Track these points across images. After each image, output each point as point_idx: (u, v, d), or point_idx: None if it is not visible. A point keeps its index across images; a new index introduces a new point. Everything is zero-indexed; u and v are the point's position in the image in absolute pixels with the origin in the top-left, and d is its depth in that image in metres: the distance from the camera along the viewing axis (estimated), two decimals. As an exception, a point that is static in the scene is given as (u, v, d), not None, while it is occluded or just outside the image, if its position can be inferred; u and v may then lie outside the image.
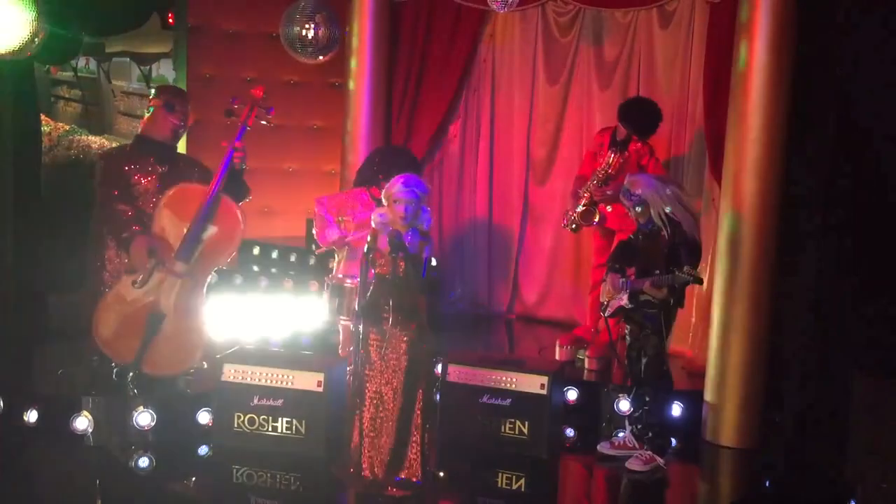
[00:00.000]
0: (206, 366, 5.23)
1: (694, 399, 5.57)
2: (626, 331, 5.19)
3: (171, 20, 8.20)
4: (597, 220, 6.28)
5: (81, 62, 11.83)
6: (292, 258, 7.59)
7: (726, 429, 5.42)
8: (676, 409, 5.55)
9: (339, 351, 5.72)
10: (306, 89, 8.08)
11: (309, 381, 4.96)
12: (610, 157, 6.16)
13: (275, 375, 4.99)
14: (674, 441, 5.45)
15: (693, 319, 6.25)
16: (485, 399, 5.13)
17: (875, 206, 5.39)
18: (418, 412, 4.51)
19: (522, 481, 4.95)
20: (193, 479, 4.97)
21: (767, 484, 5.23)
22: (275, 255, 7.68)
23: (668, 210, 4.89)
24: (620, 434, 5.25)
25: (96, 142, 9.77)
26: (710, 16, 6.16)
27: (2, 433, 5.11)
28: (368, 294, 4.53)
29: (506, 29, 7.27)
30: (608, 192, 6.17)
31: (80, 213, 5.38)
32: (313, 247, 7.61)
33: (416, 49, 7.00)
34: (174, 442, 5.06)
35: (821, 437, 5.25)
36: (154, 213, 5.06)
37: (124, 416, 5.03)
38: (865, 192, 5.41)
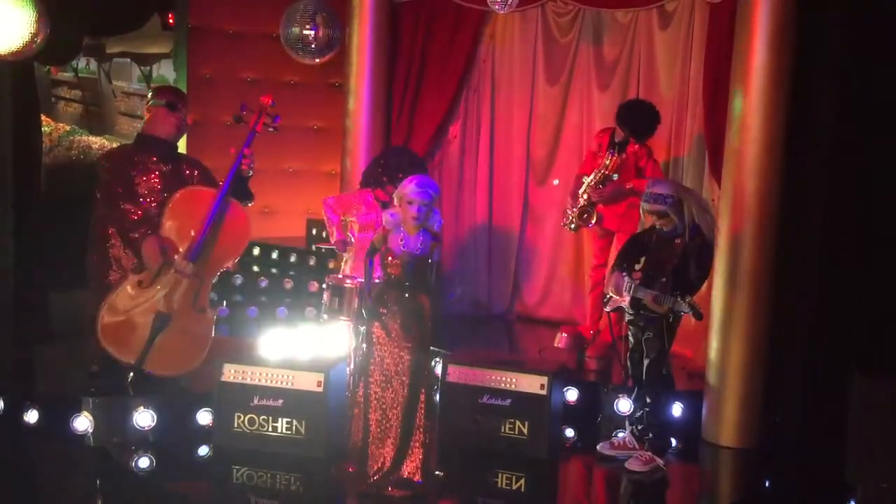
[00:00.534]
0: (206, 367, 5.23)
1: (694, 399, 5.57)
2: (629, 332, 5.18)
3: (171, 21, 8.22)
4: (594, 220, 6.29)
5: (82, 63, 11.84)
6: (292, 258, 7.61)
7: (726, 429, 5.42)
8: (676, 410, 5.55)
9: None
10: (306, 90, 8.10)
11: (309, 381, 4.96)
12: (608, 158, 6.17)
13: (275, 376, 4.99)
14: (673, 441, 5.45)
15: (692, 320, 6.24)
16: (485, 399, 5.13)
17: (875, 206, 5.39)
18: (420, 412, 4.51)
19: (522, 481, 4.95)
20: (193, 479, 4.97)
21: (767, 484, 5.24)
22: (275, 255, 7.69)
23: (697, 212, 4.88)
24: (620, 434, 5.25)
25: (97, 142, 9.79)
26: (709, 16, 6.16)
27: (2, 433, 5.11)
28: (373, 294, 4.54)
29: (506, 29, 7.28)
30: (606, 194, 6.19)
31: (81, 213, 5.39)
32: (313, 247, 7.64)
33: (415, 49, 7.00)
34: (174, 442, 5.06)
35: (820, 437, 5.25)
36: (162, 215, 5.10)
37: (124, 416, 5.04)
38: (865, 191, 5.41)
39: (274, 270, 7.62)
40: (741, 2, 5.33)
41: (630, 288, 4.97)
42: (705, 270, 5.02)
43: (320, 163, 8.24)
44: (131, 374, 5.11)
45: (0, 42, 5.13)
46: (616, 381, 5.78)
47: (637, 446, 5.09)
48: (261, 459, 4.87)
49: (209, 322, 5.27)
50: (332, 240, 5.73)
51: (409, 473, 4.51)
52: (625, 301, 5.02)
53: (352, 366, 4.98)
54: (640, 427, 5.12)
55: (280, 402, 4.97)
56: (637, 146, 6.15)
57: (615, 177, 6.24)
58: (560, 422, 5.43)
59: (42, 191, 6.90)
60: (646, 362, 5.06)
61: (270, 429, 4.98)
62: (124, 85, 12.71)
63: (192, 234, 5.10)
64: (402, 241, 4.47)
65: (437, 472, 4.58)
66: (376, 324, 4.52)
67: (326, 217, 5.73)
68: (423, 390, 4.52)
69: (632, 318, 5.08)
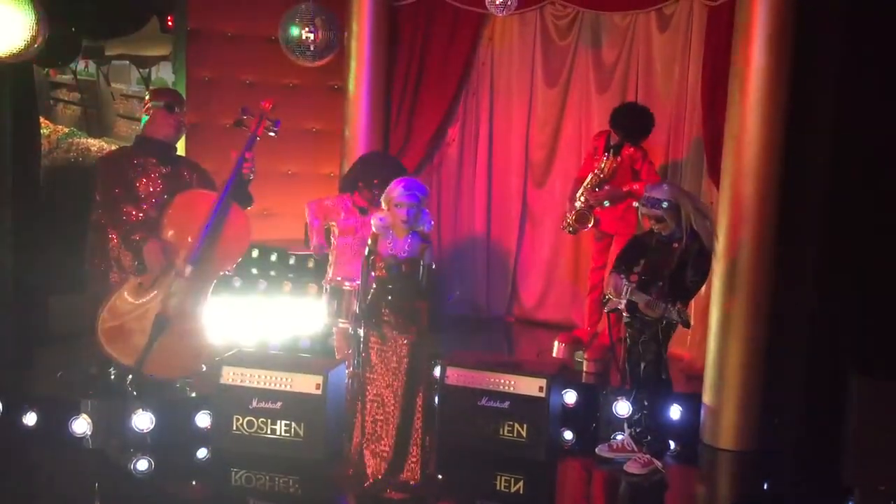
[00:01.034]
0: (205, 368, 5.24)
1: (692, 402, 5.57)
2: (626, 334, 5.19)
3: (170, 23, 8.21)
4: (592, 223, 6.30)
5: (81, 65, 11.85)
6: (291, 261, 7.60)
7: (724, 431, 5.42)
8: (675, 412, 5.56)
9: (336, 354, 5.72)
10: (305, 92, 8.08)
11: (308, 383, 4.96)
12: (603, 160, 6.19)
13: (274, 378, 5.00)
14: (672, 444, 5.46)
15: (691, 322, 6.25)
16: (483, 402, 5.14)
17: (873, 207, 5.40)
18: (418, 415, 4.51)
19: (521, 484, 4.95)
20: (192, 481, 4.97)
21: (766, 487, 5.24)
22: (274, 257, 7.68)
23: (695, 218, 4.89)
24: (619, 437, 5.26)
25: (95, 144, 9.77)
26: (707, 18, 6.17)
27: (1, 435, 5.11)
28: (369, 297, 4.54)
29: (504, 32, 7.28)
30: (602, 196, 6.20)
31: (80, 215, 5.39)
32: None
33: (414, 52, 7.01)
34: (173, 445, 5.06)
35: (819, 439, 5.25)
36: (163, 218, 5.10)
37: (123, 418, 5.04)
38: (863, 193, 5.42)
39: (273, 273, 7.61)
40: (739, 5, 5.35)
41: (627, 291, 4.98)
42: (702, 276, 5.03)
43: (319, 165, 8.22)
44: (130, 376, 5.11)
45: (-1, 44, 5.13)
46: (614, 384, 5.79)
47: (636, 448, 5.09)
48: (259, 462, 4.88)
49: (208, 325, 5.26)
50: (312, 243, 5.70)
51: (407, 476, 4.51)
52: (622, 303, 5.02)
53: (350, 368, 4.98)
54: (638, 429, 5.12)
55: (279, 404, 4.97)
56: (632, 149, 6.16)
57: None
58: (559, 424, 5.44)
59: (41, 193, 6.89)
60: (643, 365, 5.07)
61: (269, 431, 4.98)
62: (123, 87, 12.71)
63: (193, 237, 5.11)
64: (390, 244, 4.48)
65: (435, 475, 4.59)
66: (373, 327, 4.52)
67: (308, 221, 5.71)
68: (420, 393, 4.52)
69: (629, 320, 5.08)
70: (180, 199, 5.16)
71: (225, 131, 5.58)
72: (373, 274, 4.55)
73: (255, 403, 4.98)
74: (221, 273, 5.41)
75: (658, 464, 5.03)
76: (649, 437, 5.08)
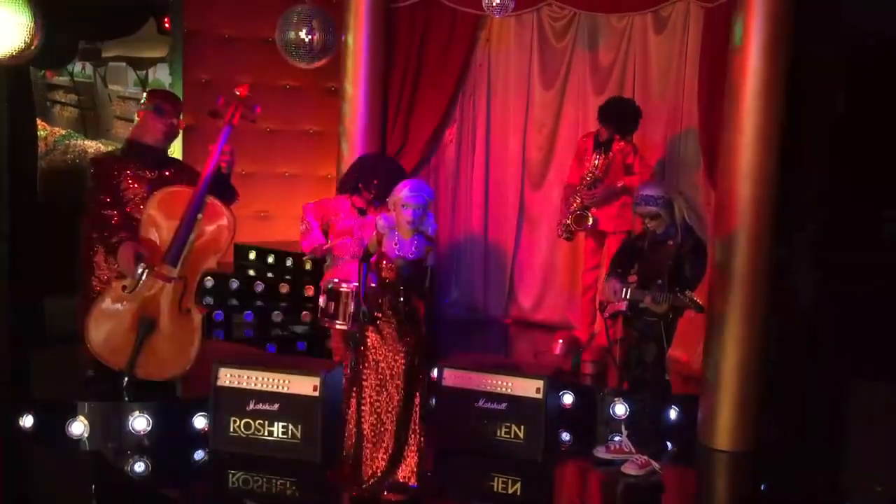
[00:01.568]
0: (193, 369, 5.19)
1: (689, 403, 5.57)
2: (626, 335, 5.18)
3: (167, 25, 8.22)
4: (590, 223, 6.31)
5: (78, 66, 11.83)
6: (288, 262, 7.61)
7: (721, 432, 5.42)
8: (672, 413, 5.56)
9: (334, 356, 5.72)
10: (302, 94, 8.10)
11: (305, 385, 4.95)
12: (595, 160, 6.21)
13: (270, 380, 4.99)
14: (669, 445, 5.46)
15: (689, 323, 6.25)
16: (480, 403, 5.13)
17: (871, 209, 5.41)
18: (416, 417, 4.51)
19: (518, 485, 4.95)
20: (189, 484, 4.96)
21: (763, 488, 5.25)
22: (271, 259, 7.69)
23: (688, 215, 4.90)
24: (616, 438, 5.26)
25: (92, 146, 9.77)
26: (704, 20, 6.18)
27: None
28: (368, 298, 4.54)
29: (501, 33, 7.28)
30: (598, 195, 6.22)
31: (77, 217, 5.38)
32: (304, 257, 7.64)
33: (411, 53, 7.01)
34: (170, 447, 5.05)
35: (816, 440, 5.26)
36: (141, 217, 5.04)
37: (120, 421, 5.03)
38: (861, 194, 5.43)
39: (270, 275, 7.62)
40: (736, 6, 5.35)
41: (626, 293, 4.99)
42: (701, 268, 5.03)
43: (316, 167, 8.24)
44: (126, 378, 5.09)
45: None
46: (612, 385, 5.79)
47: (633, 450, 5.09)
48: (256, 464, 4.87)
49: (196, 323, 5.15)
50: (310, 245, 5.66)
51: (404, 477, 4.51)
52: (623, 306, 5.02)
53: (348, 370, 4.97)
54: (636, 430, 5.12)
55: (276, 406, 4.96)
56: (622, 143, 6.19)
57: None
58: (556, 425, 5.44)
59: (37, 195, 6.89)
60: (644, 366, 5.06)
61: (266, 433, 4.98)
62: (120, 89, 12.70)
63: (170, 235, 5.01)
64: (396, 244, 4.48)
65: (432, 477, 4.58)
66: (371, 328, 4.52)
67: (307, 222, 5.68)
68: (418, 394, 4.52)
69: (629, 321, 5.08)
70: (158, 197, 5.05)
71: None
72: (373, 275, 4.54)
73: (252, 405, 4.98)
74: (205, 269, 5.21)
75: (655, 465, 5.03)
76: (647, 439, 5.08)
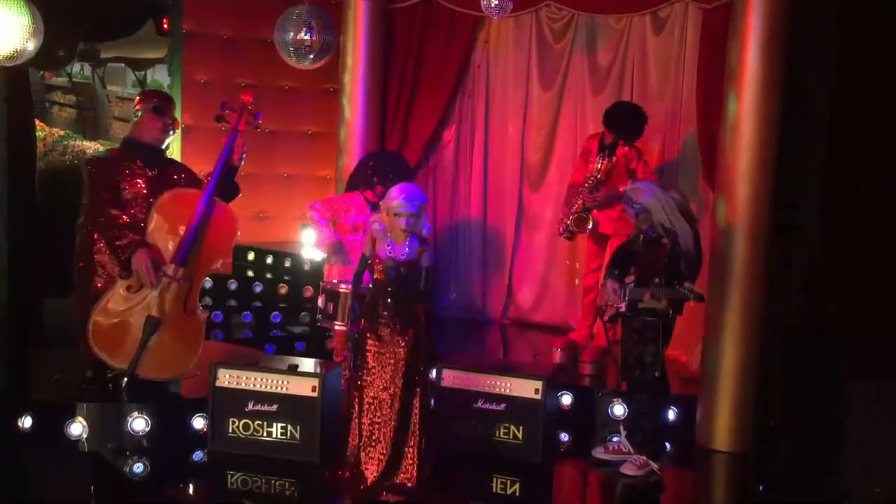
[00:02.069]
0: (199, 372, 5.22)
1: (687, 403, 5.58)
2: (625, 336, 5.18)
3: (165, 26, 8.22)
4: (590, 226, 6.31)
5: (76, 67, 11.84)
6: (287, 263, 7.61)
7: (720, 433, 5.42)
8: (670, 414, 5.56)
9: (334, 356, 5.72)
10: (301, 95, 8.10)
11: (303, 386, 4.95)
12: (598, 162, 6.20)
13: (269, 381, 4.99)
14: (668, 445, 5.46)
15: (687, 323, 6.26)
16: (479, 404, 5.13)
17: (869, 209, 5.42)
18: (415, 418, 4.51)
19: (517, 486, 4.95)
20: (188, 485, 4.96)
21: (761, 488, 5.25)
22: (269, 260, 7.69)
23: (669, 220, 4.90)
24: (615, 439, 5.26)
25: (91, 147, 9.76)
26: (702, 21, 6.19)
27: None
28: (366, 299, 4.54)
29: (500, 34, 7.29)
30: (599, 198, 6.21)
31: (75, 218, 5.38)
32: (306, 254, 7.64)
33: (410, 54, 7.01)
34: (169, 448, 5.05)
35: (814, 440, 5.26)
36: (147, 218, 5.07)
37: (119, 421, 5.03)
38: (858, 195, 5.44)
39: (269, 275, 7.62)
40: (734, 7, 5.36)
41: (625, 293, 4.99)
42: (696, 267, 5.03)
43: (315, 168, 8.24)
44: (125, 379, 5.10)
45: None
46: (611, 386, 5.79)
47: (631, 450, 5.10)
48: (255, 465, 4.87)
49: (200, 323, 5.22)
50: (323, 242, 5.65)
51: (403, 479, 4.50)
52: (622, 306, 5.03)
53: (346, 371, 4.98)
54: (634, 431, 5.12)
55: (275, 407, 4.96)
56: (626, 148, 6.18)
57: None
58: (555, 426, 5.44)
59: (36, 196, 6.88)
60: (643, 366, 5.07)
61: (265, 434, 4.98)
62: (118, 90, 12.73)
63: (179, 237, 5.07)
64: (388, 247, 4.48)
65: (431, 477, 4.58)
66: (370, 329, 4.52)
67: (314, 221, 5.68)
68: (417, 395, 4.52)
69: (628, 321, 5.09)
70: (164, 198, 5.09)
71: (220, 133, 5.57)
72: (370, 276, 4.55)
73: (250, 406, 4.97)
74: (210, 270, 5.33)
75: (654, 466, 5.03)
76: (645, 439, 5.08)
